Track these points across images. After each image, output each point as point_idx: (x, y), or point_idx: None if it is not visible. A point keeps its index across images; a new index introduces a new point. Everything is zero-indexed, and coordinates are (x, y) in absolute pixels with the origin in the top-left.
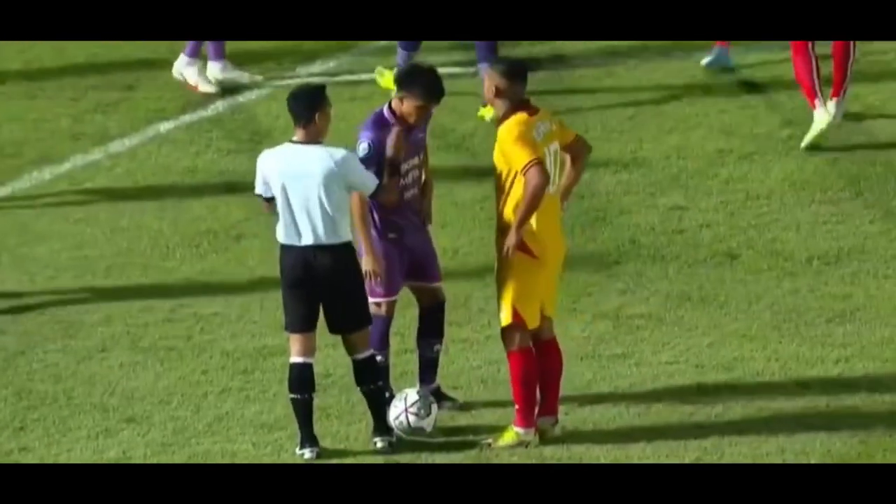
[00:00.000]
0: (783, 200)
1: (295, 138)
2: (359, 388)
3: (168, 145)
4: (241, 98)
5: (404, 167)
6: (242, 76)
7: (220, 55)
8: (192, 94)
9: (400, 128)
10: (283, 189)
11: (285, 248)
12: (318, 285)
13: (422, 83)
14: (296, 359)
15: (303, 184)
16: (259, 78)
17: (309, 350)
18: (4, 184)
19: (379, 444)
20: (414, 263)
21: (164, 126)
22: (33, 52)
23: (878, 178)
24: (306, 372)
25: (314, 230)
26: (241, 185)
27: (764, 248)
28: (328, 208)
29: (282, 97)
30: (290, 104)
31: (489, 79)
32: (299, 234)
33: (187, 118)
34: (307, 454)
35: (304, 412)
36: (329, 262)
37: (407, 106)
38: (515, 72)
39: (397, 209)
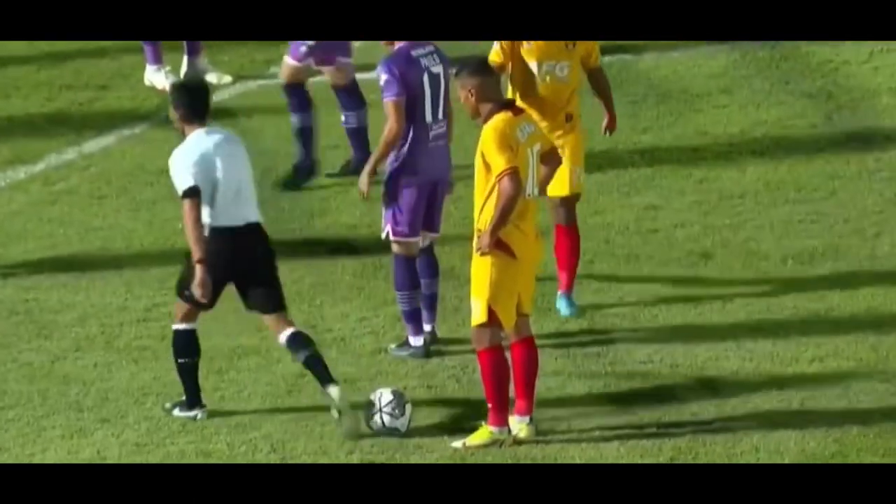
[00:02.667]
0: (757, 200)
1: (206, 127)
2: (300, 361)
3: (142, 145)
4: (215, 97)
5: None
6: (212, 75)
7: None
8: (165, 94)
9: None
10: (220, 173)
11: (220, 231)
12: (248, 266)
13: None
14: (184, 325)
15: (235, 166)
16: (229, 79)
17: (195, 317)
18: None
19: (334, 394)
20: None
21: (139, 126)
22: (6, 50)
23: (852, 177)
24: (193, 336)
25: (251, 210)
26: None
27: (738, 247)
28: (252, 188)
29: (254, 96)
30: (199, 95)
31: (461, 88)
32: (236, 216)
33: (161, 117)
34: (200, 415)
35: (194, 375)
36: (260, 242)
37: None
38: (481, 67)
39: (425, 154)
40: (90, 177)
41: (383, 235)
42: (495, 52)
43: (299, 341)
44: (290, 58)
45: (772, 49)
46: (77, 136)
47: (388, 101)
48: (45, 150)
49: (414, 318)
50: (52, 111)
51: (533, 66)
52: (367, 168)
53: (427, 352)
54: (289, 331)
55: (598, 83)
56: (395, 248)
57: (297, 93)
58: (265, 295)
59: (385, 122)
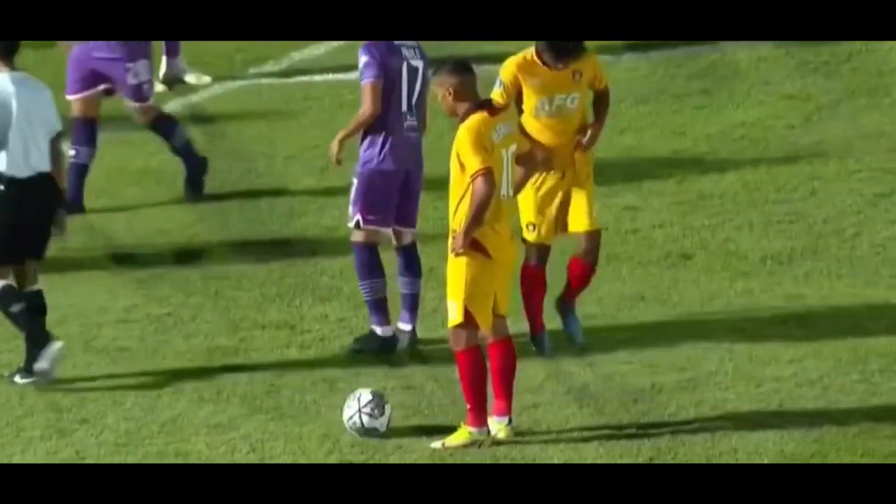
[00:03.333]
0: (736, 200)
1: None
2: (14, 313)
3: (123, 146)
4: (194, 98)
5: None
6: (191, 76)
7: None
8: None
9: None
10: (14, 118)
11: (16, 181)
12: (34, 214)
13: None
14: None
15: (31, 113)
16: (207, 79)
17: (8, 274)
18: None
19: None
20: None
21: (120, 127)
22: None
23: (831, 178)
24: (12, 289)
25: (41, 158)
26: None
27: (717, 248)
28: (46, 139)
29: (234, 98)
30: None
31: (439, 86)
32: (26, 165)
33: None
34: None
35: (32, 329)
36: (48, 190)
37: None
38: (460, 66)
39: (398, 142)
40: None
41: (351, 224)
42: (497, 93)
43: (35, 302)
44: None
45: (750, 50)
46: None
47: (366, 83)
48: None
49: (378, 308)
50: None
51: (543, 101)
52: (338, 136)
53: (393, 346)
54: (35, 287)
55: (599, 102)
56: (358, 236)
57: (86, 127)
58: (37, 243)
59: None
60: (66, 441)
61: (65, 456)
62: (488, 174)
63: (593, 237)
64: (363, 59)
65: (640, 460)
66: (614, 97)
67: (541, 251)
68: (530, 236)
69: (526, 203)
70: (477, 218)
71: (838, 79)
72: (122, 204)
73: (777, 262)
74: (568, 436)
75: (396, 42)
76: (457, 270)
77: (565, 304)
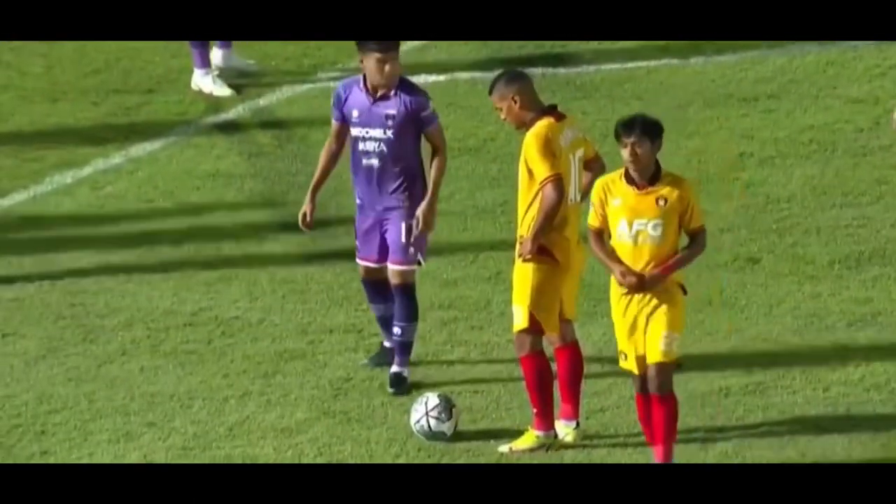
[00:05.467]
0: (804, 204)
1: None
2: None
3: (190, 149)
4: (261, 101)
5: (363, 134)
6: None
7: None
8: (212, 98)
9: None
10: None
11: None
12: None
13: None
14: None
15: None
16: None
17: None
18: (26, 187)
19: None
20: (381, 238)
21: (186, 130)
22: (55, 54)
23: None
24: None
25: None
26: (263, 189)
27: (785, 252)
28: None
29: (301, 101)
30: None
31: (501, 100)
32: None
33: (209, 122)
34: None
35: None
36: None
37: (366, 63)
38: (517, 74)
39: (356, 170)
40: (137, 181)
41: (415, 266)
42: (592, 214)
43: None
44: None
45: (818, 54)
46: (124, 140)
47: (436, 128)
48: (92, 155)
49: (386, 325)
50: (99, 116)
51: (622, 224)
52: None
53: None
54: None
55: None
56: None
57: None
58: None
59: (440, 149)
60: (134, 444)
61: (132, 459)
62: (558, 180)
63: (659, 368)
64: (431, 105)
65: (708, 463)
66: (681, 100)
67: (635, 379)
68: (622, 364)
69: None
70: (546, 224)
71: None
72: (190, 207)
73: (845, 267)
74: (635, 440)
75: (361, 80)
76: (523, 276)
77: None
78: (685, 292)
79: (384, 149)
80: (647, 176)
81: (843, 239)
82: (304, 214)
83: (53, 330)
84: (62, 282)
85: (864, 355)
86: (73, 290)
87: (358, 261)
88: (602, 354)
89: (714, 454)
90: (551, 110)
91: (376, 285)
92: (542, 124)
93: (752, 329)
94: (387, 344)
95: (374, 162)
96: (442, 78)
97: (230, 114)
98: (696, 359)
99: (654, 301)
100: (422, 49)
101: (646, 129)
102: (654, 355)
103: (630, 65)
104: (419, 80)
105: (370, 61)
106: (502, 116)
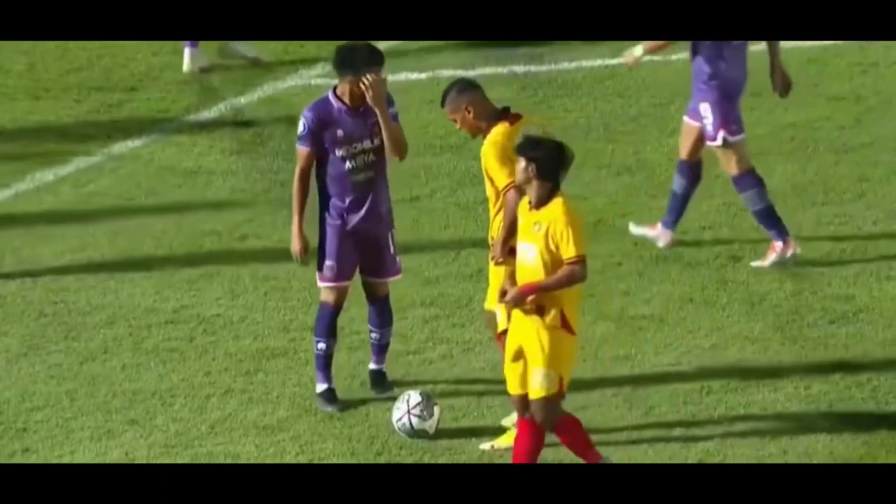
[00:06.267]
0: (785, 202)
1: None
2: None
3: (171, 147)
4: (242, 100)
5: (351, 149)
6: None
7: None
8: (194, 95)
9: None
10: None
11: None
12: None
13: (349, 58)
14: None
15: None
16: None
17: None
18: (8, 185)
19: None
20: (365, 255)
21: (168, 127)
22: (37, 52)
23: (880, 180)
24: None
25: None
26: (244, 186)
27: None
28: None
29: (283, 99)
30: None
31: (454, 112)
32: None
33: (190, 119)
34: None
35: None
36: None
37: (341, 86)
38: (467, 85)
39: (342, 192)
40: (119, 179)
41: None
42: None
43: None
44: None
45: (800, 51)
46: (106, 138)
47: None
48: (74, 153)
49: (323, 366)
50: (81, 113)
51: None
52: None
53: (333, 399)
54: None
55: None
56: (322, 294)
57: None
58: None
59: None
60: (116, 442)
61: (114, 457)
62: (518, 187)
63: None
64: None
65: (690, 461)
66: (662, 98)
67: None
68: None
69: None
70: (511, 229)
71: (888, 80)
72: (171, 204)
73: (826, 264)
74: (617, 437)
75: (330, 97)
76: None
77: None
78: (572, 332)
79: (374, 158)
80: (535, 199)
81: (824, 236)
82: (301, 251)
83: (35, 327)
84: (44, 279)
85: (846, 352)
86: (55, 288)
87: (333, 285)
88: (584, 352)
89: (695, 452)
90: (505, 114)
91: (338, 313)
92: (497, 131)
93: (733, 327)
94: (374, 367)
95: (371, 174)
96: (423, 76)
97: (212, 111)
98: (677, 356)
99: (533, 337)
100: (402, 46)
101: (523, 149)
102: (530, 390)
103: (611, 62)
104: (400, 77)
105: (344, 83)
106: (458, 126)
